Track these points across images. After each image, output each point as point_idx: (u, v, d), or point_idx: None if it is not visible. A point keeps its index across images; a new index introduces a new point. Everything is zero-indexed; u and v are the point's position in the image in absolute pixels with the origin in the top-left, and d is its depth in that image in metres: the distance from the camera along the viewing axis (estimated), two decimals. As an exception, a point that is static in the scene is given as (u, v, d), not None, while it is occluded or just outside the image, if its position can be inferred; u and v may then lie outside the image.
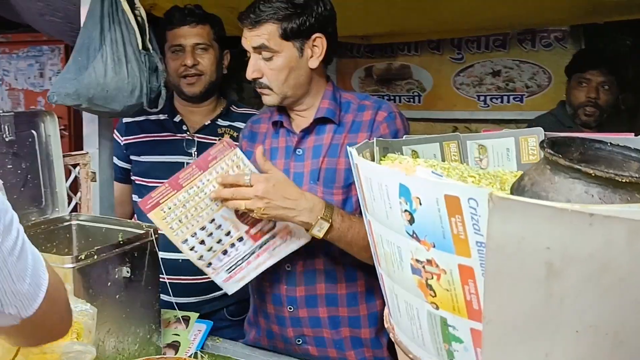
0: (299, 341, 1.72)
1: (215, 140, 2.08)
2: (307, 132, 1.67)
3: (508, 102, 3.52)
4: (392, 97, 3.85)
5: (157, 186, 1.52)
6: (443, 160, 1.30)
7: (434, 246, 0.80)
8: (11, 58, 4.31)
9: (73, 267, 1.34)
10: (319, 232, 1.47)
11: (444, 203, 0.75)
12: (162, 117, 2.08)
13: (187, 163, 2.02)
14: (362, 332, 1.70)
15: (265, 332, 1.78)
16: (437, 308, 0.84)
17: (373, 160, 1.13)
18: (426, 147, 1.30)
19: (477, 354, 0.82)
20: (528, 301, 0.72)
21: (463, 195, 0.73)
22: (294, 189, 1.48)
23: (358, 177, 0.97)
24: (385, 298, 1.04)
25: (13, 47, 4.28)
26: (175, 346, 1.80)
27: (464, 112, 3.63)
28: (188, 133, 2.08)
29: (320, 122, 1.66)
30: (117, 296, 1.46)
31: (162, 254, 1.59)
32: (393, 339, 1.02)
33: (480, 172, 1.18)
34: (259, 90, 1.63)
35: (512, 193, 0.99)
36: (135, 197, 2.13)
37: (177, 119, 2.09)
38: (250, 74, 1.59)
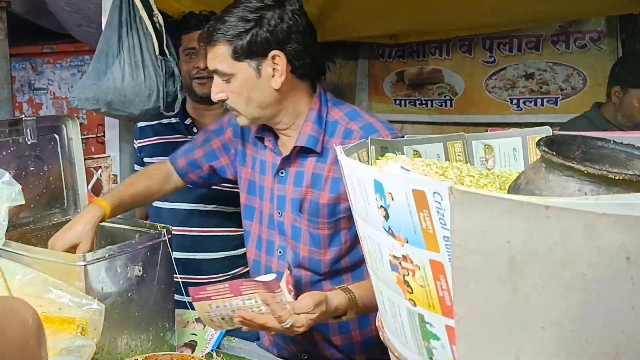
0: (304, 356, 1.72)
1: None
2: (288, 159, 1.58)
3: (542, 105, 3.45)
4: (423, 102, 3.82)
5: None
6: (447, 161, 1.29)
7: (407, 242, 0.80)
8: (55, 68, 4.47)
9: (84, 265, 1.38)
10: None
11: (412, 198, 0.75)
12: (173, 120, 2.13)
13: None
14: (357, 358, 1.69)
15: (273, 343, 1.79)
16: (415, 305, 0.84)
17: (368, 159, 1.13)
18: (429, 147, 1.29)
19: (453, 351, 0.81)
20: (495, 297, 0.71)
21: (428, 189, 0.72)
22: (324, 313, 1.40)
23: (343, 174, 0.97)
24: (376, 298, 1.03)
25: (57, 57, 4.44)
26: (192, 345, 1.83)
27: (497, 116, 3.57)
28: None
29: (303, 150, 1.56)
30: (129, 294, 1.50)
31: (176, 254, 1.63)
32: (382, 338, 1.01)
33: (482, 172, 1.16)
34: (229, 111, 1.56)
35: (508, 192, 0.98)
36: None
37: (187, 121, 2.14)
38: (214, 97, 1.51)
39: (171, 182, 1.81)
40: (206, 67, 2.04)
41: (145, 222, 1.68)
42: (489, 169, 1.31)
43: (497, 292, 0.70)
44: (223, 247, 2.20)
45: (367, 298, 1.45)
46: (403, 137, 1.28)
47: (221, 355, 1.76)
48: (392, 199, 0.79)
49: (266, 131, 1.63)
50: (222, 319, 1.43)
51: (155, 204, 2.18)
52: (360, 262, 1.59)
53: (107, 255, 1.42)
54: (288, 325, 1.35)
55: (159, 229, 1.62)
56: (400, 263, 0.83)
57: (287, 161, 1.59)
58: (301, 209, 1.57)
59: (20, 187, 1.38)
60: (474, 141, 1.32)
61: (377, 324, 1.06)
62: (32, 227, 1.62)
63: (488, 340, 0.74)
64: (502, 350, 0.74)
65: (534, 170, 0.93)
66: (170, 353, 1.36)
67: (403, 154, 1.24)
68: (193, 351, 1.80)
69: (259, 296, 1.36)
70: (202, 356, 1.74)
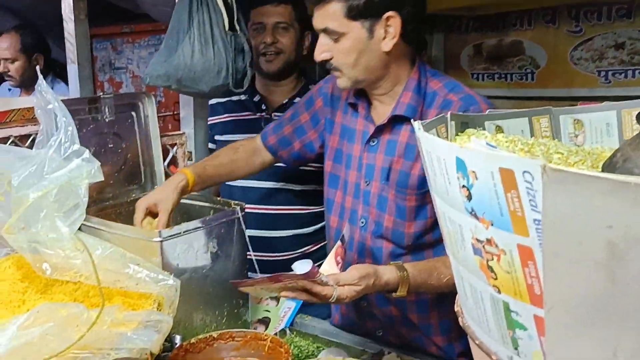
0: (379, 332, 1.70)
1: None
2: (382, 127, 1.56)
3: (633, 76, 3.21)
4: (503, 75, 3.66)
5: None
6: (532, 137, 1.21)
7: (492, 224, 0.74)
8: (134, 47, 4.58)
9: (160, 241, 1.40)
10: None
11: (499, 177, 0.69)
12: (243, 97, 2.13)
13: None
14: (434, 339, 1.64)
15: (346, 319, 1.77)
16: (499, 292, 0.78)
17: (447, 135, 1.08)
18: (513, 122, 1.22)
19: (542, 342, 0.75)
20: (591, 286, 0.64)
21: (517, 168, 0.66)
22: (372, 286, 1.38)
23: (421, 151, 0.92)
24: (455, 281, 0.98)
25: (136, 37, 4.55)
26: (265, 322, 1.83)
27: (582, 90, 3.36)
28: (266, 112, 2.12)
29: (398, 119, 1.54)
30: (204, 270, 1.51)
31: (248, 232, 1.63)
32: (461, 324, 0.96)
33: (571, 149, 1.08)
34: (331, 71, 1.54)
35: (602, 170, 0.90)
36: None
37: (256, 98, 2.13)
38: (318, 56, 1.50)
39: (258, 158, 1.82)
40: (272, 43, 2.03)
41: (219, 199, 1.69)
42: (578, 146, 1.22)
43: (593, 281, 0.64)
44: (293, 225, 2.19)
45: (422, 279, 1.43)
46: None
47: (294, 333, 1.75)
48: (476, 178, 0.74)
49: (360, 98, 1.61)
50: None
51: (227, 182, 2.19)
52: (442, 241, 1.55)
53: (182, 232, 1.44)
54: (333, 300, 1.34)
55: (233, 206, 1.62)
56: (483, 247, 0.77)
57: (380, 129, 1.57)
58: (390, 179, 1.54)
59: (100, 164, 1.40)
60: (562, 116, 1.23)
61: (455, 309, 1.01)
62: (111, 203, 1.66)
63: (582, 332, 0.68)
64: (598, 344, 0.67)
65: (633, 146, 0.85)
66: (244, 330, 1.36)
67: (484, 129, 1.17)
68: (266, 328, 1.81)
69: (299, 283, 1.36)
70: (275, 333, 1.75)
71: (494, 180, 0.70)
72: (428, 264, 1.46)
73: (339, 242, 1.44)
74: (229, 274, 1.58)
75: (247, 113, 2.16)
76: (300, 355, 1.63)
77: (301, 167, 2.12)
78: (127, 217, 1.65)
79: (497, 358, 0.84)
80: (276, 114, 2.14)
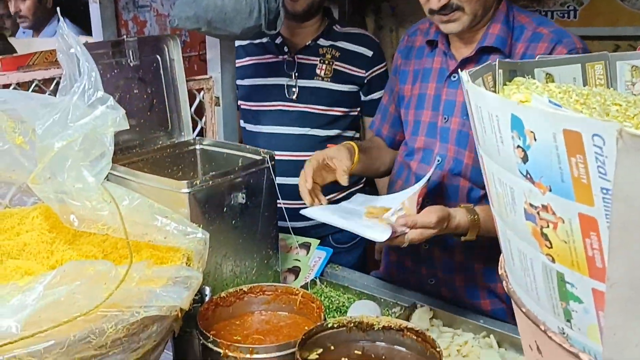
0: (431, 281, 1.66)
1: (315, 60, 2.02)
2: (467, 60, 1.52)
3: (684, 14, 3.02)
4: (543, 12, 3.47)
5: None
6: (585, 85, 1.12)
7: (551, 190, 0.67)
8: (158, -16, 4.47)
9: (189, 193, 1.36)
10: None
11: (563, 139, 0.62)
12: (264, 40, 2.04)
13: (287, 85, 1.98)
14: (498, 286, 1.59)
15: (396, 264, 1.73)
16: (554, 261, 0.72)
17: (495, 85, 0.99)
18: (564, 69, 1.12)
19: (599, 317, 0.70)
20: (665, 264, 0.58)
21: (586, 130, 0.59)
22: (444, 229, 1.37)
23: (469, 105, 0.84)
24: (500, 241, 0.92)
25: (160, -28, 4.43)
26: (295, 271, 1.81)
27: (629, 28, 3.18)
28: (289, 54, 2.03)
29: (485, 50, 1.49)
30: (233, 222, 1.47)
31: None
32: (506, 289, 0.91)
33: (629, 100, 0.99)
34: (444, 18, 1.47)
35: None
36: (242, 122, 2.14)
37: (278, 40, 2.04)
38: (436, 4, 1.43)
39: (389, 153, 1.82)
40: None
41: (248, 146, 1.63)
42: (635, 95, 1.13)
43: (668, 259, 0.57)
44: None
45: (492, 225, 1.37)
46: None
47: (324, 283, 1.73)
48: (534, 139, 0.66)
49: (438, 35, 1.59)
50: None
51: (250, 127, 2.13)
52: None
53: (210, 183, 1.39)
54: (406, 245, 1.35)
55: (263, 154, 1.56)
56: (538, 213, 0.71)
57: (465, 62, 1.53)
58: None
59: (125, 111, 1.35)
60: (619, 62, 1.13)
61: (499, 272, 0.95)
62: (138, 151, 1.62)
63: (648, 312, 0.62)
64: (666, 326, 0.61)
65: None
66: (275, 285, 1.33)
67: (534, 77, 1.08)
68: (296, 277, 1.79)
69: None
70: (305, 283, 1.73)
71: (556, 143, 0.63)
72: None
73: (424, 182, 1.43)
74: (258, 224, 1.55)
75: (268, 56, 2.08)
76: (330, 306, 1.61)
77: (326, 112, 2.06)
78: (154, 166, 1.61)
79: (546, 328, 0.78)
80: (299, 56, 2.05)
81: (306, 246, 1.88)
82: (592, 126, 0.58)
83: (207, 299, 1.33)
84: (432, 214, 1.34)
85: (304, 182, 1.48)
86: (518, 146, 0.69)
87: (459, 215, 1.39)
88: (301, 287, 1.70)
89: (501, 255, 0.98)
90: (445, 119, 1.56)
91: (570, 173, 0.63)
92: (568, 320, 0.75)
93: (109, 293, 0.95)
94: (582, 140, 0.59)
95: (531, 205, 0.72)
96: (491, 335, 1.43)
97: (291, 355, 1.08)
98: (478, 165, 1.46)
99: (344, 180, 1.47)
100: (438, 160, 1.58)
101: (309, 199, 1.47)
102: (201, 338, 1.14)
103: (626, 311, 0.64)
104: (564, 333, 0.76)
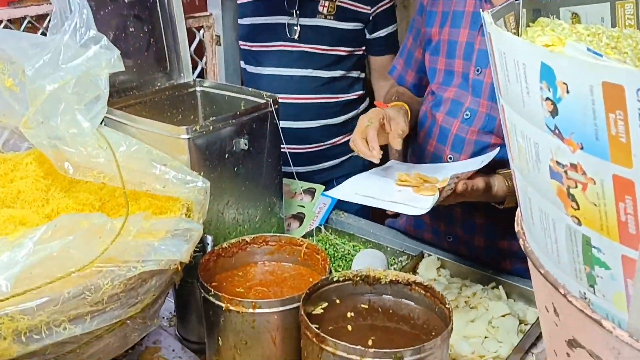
0: (449, 238, 1.61)
1: None
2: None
3: None
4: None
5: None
6: (613, 26, 1.03)
7: (582, 148, 0.61)
8: None
9: (189, 139, 1.30)
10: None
11: (601, 93, 0.55)
12: None
13: (289, 24, 1.88)
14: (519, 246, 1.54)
15: (413, 220, 1.68)
16: (580, 224, 0.66)
17: (518, 26, 0.91)
18: (592, 8, 1.03)
19: (627, 285, 0.65)
20: None
21: (630, 83, 0.52)
22: (480, 195, 1.31)
23: (491, 50, 0.77)
24: (517, 198, 0.87)
25: None
26: (299, 217, 1.77)
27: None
28: None
29: None
30: (235, 169, 1.41)
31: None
32: (522, 248, 0.86)
33: (662, 43, 0.91)
34: None
35: None
36: (242, 64, 2.04)
37: None
38: None
39: (419, 105, 1.69)
40: None
41: (250, 89, 1.55)
42: (667, 37, 1.04)
43: None
44: (322, 115, 2.06)
45: None
46: None
47: (329, 230, 1.69)
48: (567, 92, 0.60)
49: None
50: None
51: (250, 69, 2.05)
52: None
53: (211, 128, 1.33)
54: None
55: (266, 98, 1.49)
56: (565, 172, 0.65)
57: None
58: None
59: (119, 52, 1.27)
60: (651, 1, 1.05)
61: (516, 229, 0.90)
62: (135, 94, 1.54)
63: (685, 283, 0.57)
64: None
65: None
66: (279, 235, 1.28)
67: (559, 18, 1.00)
68: (301, 224, 1.75)
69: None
70: (310, 230, 1.69)
71: (593, 97, 0.56)
72: None
73: (479, 165, 1.33)
74: (262, 171, 1.49)
75: None
76: (335, 254, 1.58)
77: (329, 52, 1.96)
78: (152, 109, 1.54)
79: (566, 292, 0.74)
80: None
81: (311, 192, 1.83)
82: (637, 78, 0.51)
83: (208, 248, 1.29)
84: (480, 180, 1.28)
85: (371, 151, 1.34)
86: (547, 98, 0.63)
87: (497, 182, 1.32)
88: (305, 234, 1.66)
89: (517, 211, 0.93)
90: (478, 70, 1.45)
91: (607, 130, 0.57)
92: (591, 286, 0.70)
93: (105, 247, 0.91)
94: (625, 95, 0.53)
95: (558, 163, 0.65)
96: (500, 287, 1.40)
97: (295, 309, 1.05)
98: None
99: (397, 144, 1.36)
100: (467, 115, 1.48)
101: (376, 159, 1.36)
102: (202, 291, 1.10)
103: (659, 281, 0.59)
104: (585, 298, 0.72)
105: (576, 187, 0.64)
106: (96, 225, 0.93)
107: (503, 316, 1.29)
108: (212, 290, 1.08)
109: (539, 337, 1.28)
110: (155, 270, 0.98)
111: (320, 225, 1.69)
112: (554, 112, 0.62)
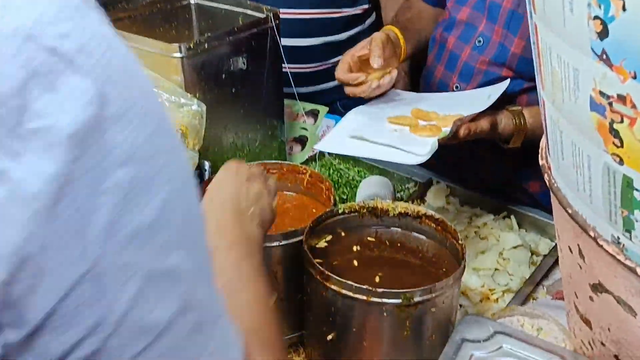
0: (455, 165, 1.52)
1: None
2: None
3: None
4: None
5: None
6: None
7: (634, 77, 0.52)
8: None
9: (182, 57, 1.20)
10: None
11: (669, 11, 0.46)
12: None
13: None
14: (530, 185, 1.45)
15: None
16: (622, 163, 0.58)
17: None
18: None
19: (672, 233, 0.58)
20: None
21: None
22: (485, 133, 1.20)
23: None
24: (544, 128, 0.78)
25: None
26: (302, 141, 1.69)
27: None
28: None
29: None
30: (233, 90, 1.32)
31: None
32: (547, 183, 0.78)
33: None
34: None
35: None
36: None
37: None
38: None
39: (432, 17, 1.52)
40: None
41: (248, 2, 1.43)
42: None
43: None
44: (324, 32, 1.93)
45: (542, 131, 1.22)
46: None
47: (333, 155, 1.61)
48: (623, 9, 0.50)
49: None
50: None
51: None
52: None
53: (207, 46, 1.22)
54: None
55: (266, 12, 1.37)
56: (610, 104, 0.56)
57: None
58: (511, 23, 1.27)
59: (103, -41, 1.15)
60: None
61: (540, 163, 0.82)
62: (124, 6, 1.42)
63: None
64: None
65: None
66: (281, 162, 1.21)
67: None
68: (303, 147, 1.67)
69: None
70: (314, 154, 1.61)
71: (657, 15, 0.47)
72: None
73: (489, 103, 1.22)
74: (262, 92, 1.40)
75: None
76: (340, 180, 1.51)
77: None
78: (143, 24, 1.42)
79: (596, 235, 0.67)
80: None
81: (314, 114, 1.74)
82: None
83: (206, 175, 1.22)
84: (485, 121, 1.18)
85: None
86: (596, 17, 0.53)
87: (505, 120, 1.22)
88: (308, 158, 1.59)
89: (542, 142, 0.85)
90: None
91: (669, 57, 0.48)
92: (628, 231, 0.63)
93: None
94: (700, 14, 0.44)
95: (602, 93, 0.57)
96: (512, 216, 1.34)
97: (298, 243, 0.99)
98: (528, 56, 1.25)
99: (377, 63, 1.23)
100: (479, 42, 1.34)
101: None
102: (200, 223, 1.04)
103: None
104: (619, 243, 0.65)
105: (622, 121, 0.56)
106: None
107: (514, 248, 1.24)
108: (210, 222, 1.02)
109: (550, 269, 1.23)
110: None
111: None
112: (603, 34, 0.53)
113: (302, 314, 1.02)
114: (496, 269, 1.20)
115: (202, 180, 1.19)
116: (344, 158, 1.59)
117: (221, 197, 0.80)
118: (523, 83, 1.31)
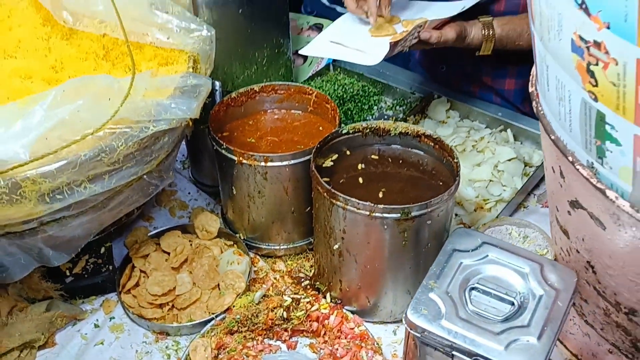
0: (442, 67, 1.57)
1: None
2: None
3: None
4: None
5: None
6: None
7: (609, 27, 0.58)
8: None
9: (189, -19, 1.22)
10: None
11: (637, -26, 0.51)
12: None
13: None
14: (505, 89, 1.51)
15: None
16: (596, 100, 0.65)
17: None
18: None
19: (636, 163, 0.65)
20: None
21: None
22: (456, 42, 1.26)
23: None
24: (534, 59, 0.84)
25: None
26: (306, 56, 1.73)
27: None
28: None
29: None
30: (240, 10, 1.35)
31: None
32: (535, 109, 0.85)
33: None
34: None
35: None
36: None
37: None
38: None
39: None
40: None
41: None
42: None
43: None
44: None
45: (509, 39, 1.31)
46: None
47: (338, 70, 1.66)
48: (601, -34, 0.55)
49: None
50: None
51: None
52: None
53: (212, -32, 1.25)
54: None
55: None
56: (588, 48, 0.62)
57: None
58: None
59: None
60: None
61: (530, 89, 0.89)
62: None
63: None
64: None
65: None
66: (288, 83, 1.26)
67: None
68: (305, 60, 1.71)
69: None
70: (319, 69, 1.66)
71: (628, -24, 0.52)
72: (521, 22, 1.31)
73: (455, 12, 1.28)
74: (268, 9, 1.42)
75: None
76: (344, 95, 1.56)
77: None
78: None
79: (574, 160, 0.75)
80: None
81: (318, 27, 1.77)
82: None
83: (217, 94, 1.28)
84: (451, 30, 1.24)
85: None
86: (577, -31, 0.58)
87: (475, 30, 1.29)
88: (313, 74, 1.64)
89: (532, 71, 0.91)
90: None
91: (637, 13, 0.53)
92: (600, 157, 0.71)
93: (115, 110, 0.91)
94: (662, -20, 0.49)
95: (581, 38, 0.63)
96: (508, 130, 1.41)
97: (306, 161, 1.07)
98: None
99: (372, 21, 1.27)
100: None
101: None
102: (215, 144, 1.12)
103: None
104: (592, 167, 0.73)
105: (597, 64, 0.62)
106: (104, 87, 0.93)
107: (509, 160, 1.32)
108: (224, 144, 1.10)
109: (542, 179, 1.32)
110: (167, 129, 0.98)
111: (329, 63, 1.66)
112: (583, -15, 0.58)
113: (311, 225, 1.12)
114: (490, 181, 1.29)
115: (214, 103, 1.25)
116: (349, 73, 1.64)
117: None
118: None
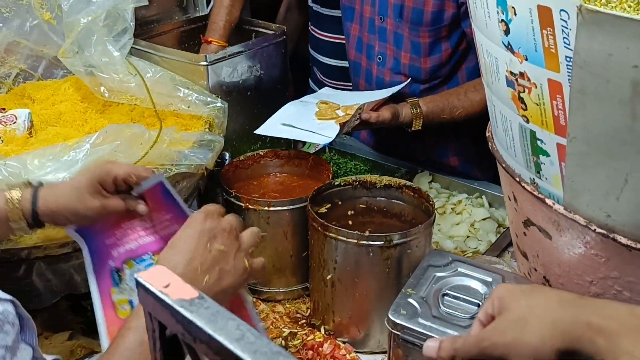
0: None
1: None
2: None
3: None
4: None
5: None
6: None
7: (527, 59, 0.78)
8: None
9: (207, 65, 1.46)
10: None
11: (537, 14, 0.72)
12: None
13: None
14: (450, 160, 1.75)
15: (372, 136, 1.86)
16: (528, 121, 0.84)
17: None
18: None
19: (562, 168, 0.83)
20: (612, 121, 0.70)
21: (555, 5, 0.68)
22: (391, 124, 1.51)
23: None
24: (489, 109, 1.04)
25: None
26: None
27: None
28: None
29: None
30: (249, 92, 1.59)
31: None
32: (491, 149, 1.04)
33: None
34: None
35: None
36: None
37: None
38: None
39: None
40: None
41: (260, 21, 1.71)
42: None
43: (615, 117, 0.69)
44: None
45: (435, 115, 1.54)
46: None
47: (333, 152, 1.87)
48: (515, 14, 0.76)
49: None
50: None
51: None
52: (456, 71, 1.63)
53: (227, 56, 1.49)
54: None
55: (274, 29, 1.65)
56: (516, 80, 0.82)
57: None
58: (403, 16, 1.56)
59: (143, -13, 1.42)
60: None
61: (487, 135, 1.08)
62: (155, 26, 1.70)
63: (599, 161, 0.75)
64: (612, 171, 0.75)
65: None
66: (288, 150, 1.46)
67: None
68: (304, 143, 1.92)
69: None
70: (316, 151, 1.86)
71: (532, 17, 0.73)
72: (442, 99, 1.55)
73: (389, 94, 1.54)
74: (271, 94, 1.66)
75: None
76: (339, 172, 1.76)
77: None
78: (172, 40, 1.70)
79: (520, 179, 0.92)
80: None
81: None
82: (559, 2, 0.68)
83: (226, 163, 1.48)
84: (387, 112, 1.48)
85: None
86: (502, 20, 0.79)
87: (405, 110, 1.52)
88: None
89: (491, 121, 1.11)
90: (381, 19, 1.60)
91: (542, 43, 0.74)
92: (538, 172, 0.88)
93: (145, 152, 1.10)
94: (552, 15, 0.69)
95: (511, 73, 0.83)
96: (483, 196, 1.59)
97: (303, 208, 1.24)
98: (414, 64, 1.63)
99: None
100: (379, 59, 1.66)
101: None
102: (224, 194, 1.30)
103: (583, 161, 0.78)
104: (534, 183, 0.90)
105: (524, 91, 0.82)
106: (137, 134, 1.12)
107: (484, 219, 1.49)
108: (233, 192, 1.27)
109: (515, 238, 1.48)
110: (186, 173, 1.17)
111: (325, 145, 1.87)
112: (507, 31, 0.79)
113: (307, 270, 1.27)
114: (468, 236, 1.45)
115: (222, 166, 1.44)
116: (343, 154, 1.85)
117: (175, 258, 0.76)
118: (420, 86, 1.64)
